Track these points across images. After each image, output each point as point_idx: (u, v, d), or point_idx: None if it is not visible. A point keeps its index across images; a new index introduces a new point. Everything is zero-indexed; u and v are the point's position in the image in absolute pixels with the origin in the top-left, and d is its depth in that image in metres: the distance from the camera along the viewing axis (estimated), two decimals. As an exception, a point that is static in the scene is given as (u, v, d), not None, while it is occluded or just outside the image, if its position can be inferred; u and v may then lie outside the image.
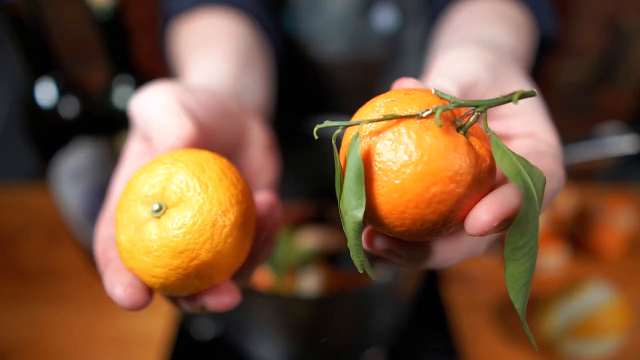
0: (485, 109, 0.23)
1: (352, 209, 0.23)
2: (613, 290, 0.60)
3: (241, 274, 0.31)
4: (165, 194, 0.27)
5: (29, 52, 0.55)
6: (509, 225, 0.23)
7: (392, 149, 0.23)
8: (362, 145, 0.24)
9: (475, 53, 0.31)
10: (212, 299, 0.29)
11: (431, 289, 0.68)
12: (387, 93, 0.25)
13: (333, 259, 0.61)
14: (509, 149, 0.23)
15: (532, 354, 0.62)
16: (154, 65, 0.71)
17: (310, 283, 0.58)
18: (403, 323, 0.61)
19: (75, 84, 0.60)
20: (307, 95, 0.71)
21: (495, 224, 0.22)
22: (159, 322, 0.66)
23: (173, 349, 0.61)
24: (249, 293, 0.48)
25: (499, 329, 0.65)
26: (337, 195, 0.25)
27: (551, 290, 0.64)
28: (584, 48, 1.16)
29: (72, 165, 0.61)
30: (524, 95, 0.22)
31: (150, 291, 0.28)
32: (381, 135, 0.23)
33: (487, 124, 0.24)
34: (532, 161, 0.25)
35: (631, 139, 0.54)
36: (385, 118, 0.23)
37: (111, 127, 0.65)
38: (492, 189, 0.24)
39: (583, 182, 0.85)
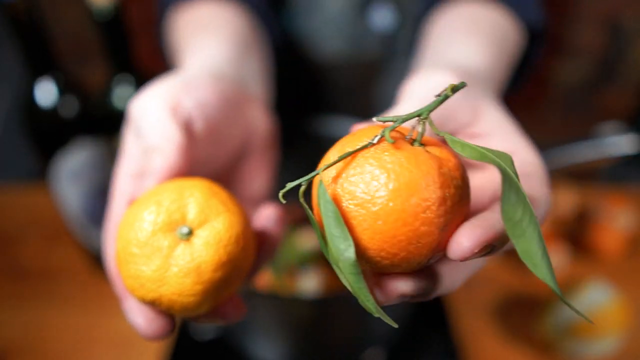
0: (428, 114, 0.24)
1: (342, 253, 0.22)
2: (613, 290, 0.60)
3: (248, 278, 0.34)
4: (187, 218, 0.28)
5: (29, 52, 0.55)
6: (491, 250, 0.23)
7: (359, 182, 0.23)
8: (329, 191, 0.24)
9: (444, 79, 0.31)
10: (231, 309, 0.30)
11: (431, 289, 0.68)
12: (335, 144, 0.26)
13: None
14: (465, 141, 0.23)
15: (532, 354, 0.62)
16: (154, 65, 0.71)
17: (310, 283, 0.58)
18: (403, 323, 0.61)
19: (75, 84, 0.60)
20: (304, 94, 0.71)
21: (476, 250, 0.22)
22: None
23: (173, 349, 0.61)
24: (249, 293, 0.49)
25: (499, 329, 0.65)
26: (324, 251, 0.24)
27: (551, 290, 0.64)
28: (584, 48, 1.16)
29: (72, 165, 0.61)
30: (456, 88, 0.23)
31: (171, 318, 0.30)
32: (343, 175, 0.23)
33: (436, 128, 0.24)
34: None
35: (631, 139, 0.54)
36: (341, 158, 0.23)
37: (111, 127, 0.65)
38: (467, 186, 0.25)
39: (583, 182, 0.85)
